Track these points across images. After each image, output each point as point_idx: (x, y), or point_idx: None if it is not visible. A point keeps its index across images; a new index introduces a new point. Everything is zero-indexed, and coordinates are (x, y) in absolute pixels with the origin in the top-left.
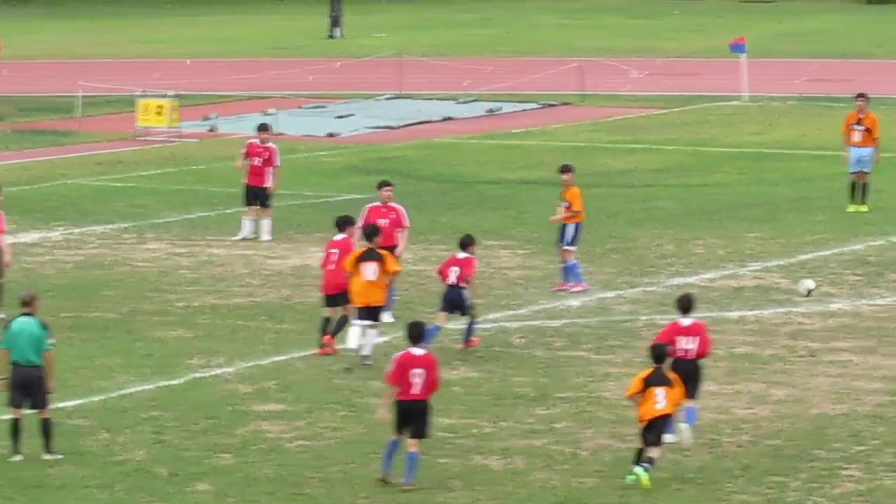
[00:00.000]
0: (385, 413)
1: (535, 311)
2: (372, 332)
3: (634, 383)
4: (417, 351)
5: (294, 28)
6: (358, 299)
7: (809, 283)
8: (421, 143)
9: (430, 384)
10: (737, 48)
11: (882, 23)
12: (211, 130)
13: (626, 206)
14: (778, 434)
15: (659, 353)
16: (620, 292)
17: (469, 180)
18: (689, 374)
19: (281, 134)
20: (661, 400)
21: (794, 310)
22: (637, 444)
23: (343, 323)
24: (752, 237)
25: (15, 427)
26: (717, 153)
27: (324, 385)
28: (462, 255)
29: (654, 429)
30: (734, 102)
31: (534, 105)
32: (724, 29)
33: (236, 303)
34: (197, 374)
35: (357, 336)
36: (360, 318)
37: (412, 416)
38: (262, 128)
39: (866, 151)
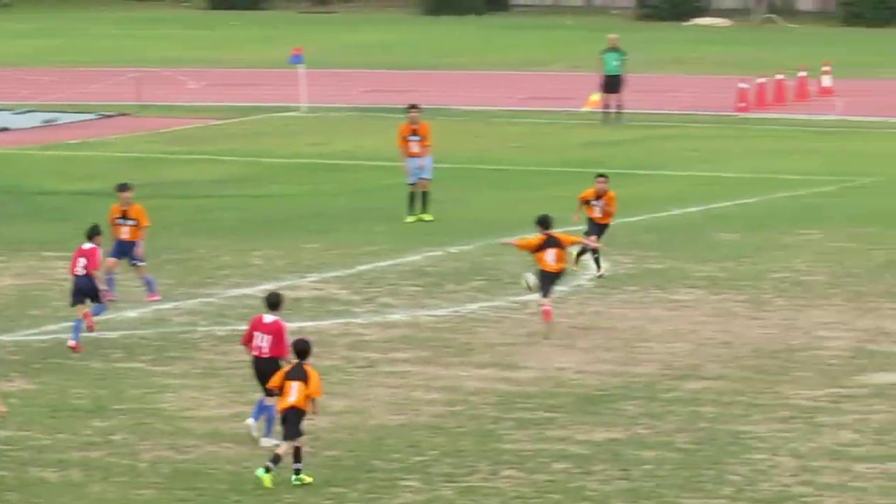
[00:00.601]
0: None
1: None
2: None
3: (277, 377)
4: None
5: None
6: None
7: (529, 281)
8: None
9: None
10: (294, 59)
11: (439, 34)
12: None
13: (184, 217)
14: (337, 445)
15: (300, 349)
16: (178, 303)
17: (26, 191)
18: (264, 372)
19: None
20: (293, 393)
21: (353, 321)
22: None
23: None
24: (310, 248)
25: None
26: (275, 164)
27: None
28: (88, 245)
29: (287, 422)
30: (293, 113)
31: (91, 116)
32: (284, 40)
33: None
34: None
35: None
36: None
37: None
38: None
39: (424, 161)
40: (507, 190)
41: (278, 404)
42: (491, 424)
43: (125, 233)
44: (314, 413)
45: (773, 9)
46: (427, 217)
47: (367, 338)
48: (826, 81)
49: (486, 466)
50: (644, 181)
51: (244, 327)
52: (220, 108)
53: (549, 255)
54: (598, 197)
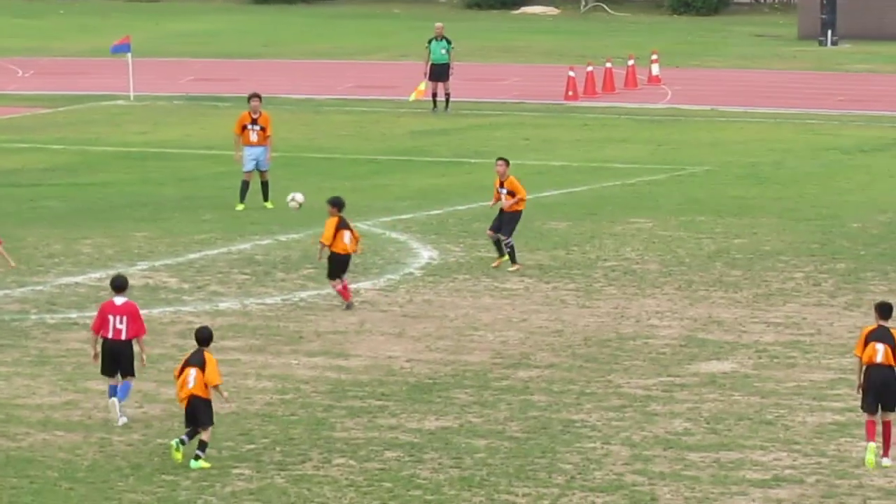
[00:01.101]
0: None
1: None
2: None
3: (180, 367)
4: None
5: None
6: None
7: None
8: None
9: None
10: (120, 49)
11: (266, 23)
12: None
13: (13, 207)
14: (168, 433)
15: (202, 335)
16: (8, 291)
17: None
18: (119, 353)
19: None
20: (190, 380)
21: (183, 309)
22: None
23: None
24: (139, 236)
25: None
26: (103, 152)
27: None
28: None
29: (192, 412)
30: (120, 102)
31: None
32: (111, 29)
33: None
34: None
35: None
36: None
37: None
38: None
39: (262, 150)
40: (335, 179)
41: (178, 393)
42: (322, 413)
43: None
44: (227, 401)
45: None
46: (269, 205)
47: (197, 326)
48: (655, 70)
49: (318, 455)
50: (473, 170)
51: (75, 315)
52: (48, 96)
53: (346, 237)
54: (501, 184)
